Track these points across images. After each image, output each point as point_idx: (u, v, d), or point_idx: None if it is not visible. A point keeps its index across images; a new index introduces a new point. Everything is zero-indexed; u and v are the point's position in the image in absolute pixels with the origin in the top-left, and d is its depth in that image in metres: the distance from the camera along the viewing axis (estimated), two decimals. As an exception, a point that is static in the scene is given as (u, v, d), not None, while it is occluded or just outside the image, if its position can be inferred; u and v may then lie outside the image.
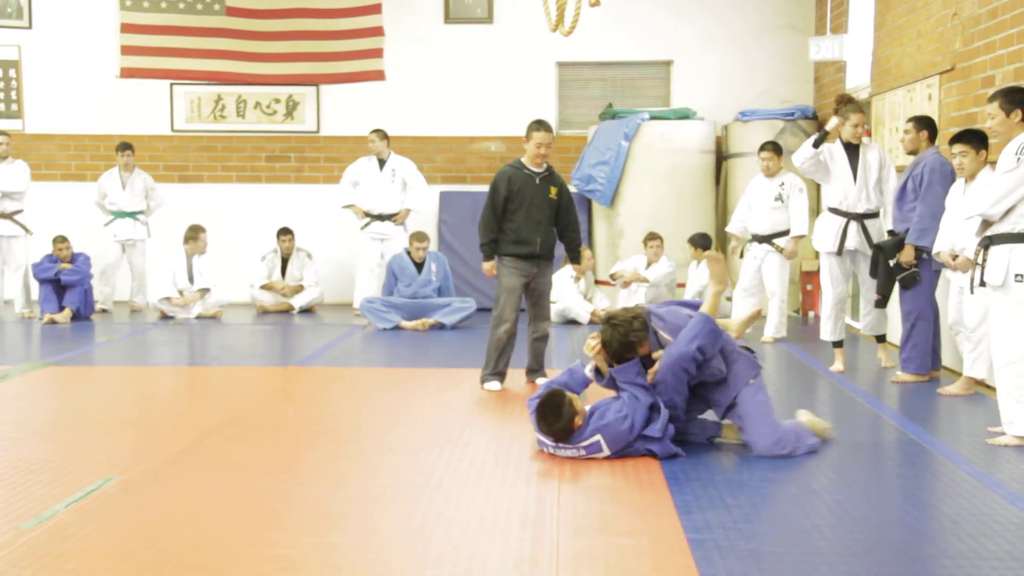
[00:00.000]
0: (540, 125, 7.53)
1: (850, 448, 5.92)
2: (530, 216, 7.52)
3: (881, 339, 8.41)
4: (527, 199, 7.52)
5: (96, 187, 12.15)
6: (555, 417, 5.54)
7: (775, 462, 5.52)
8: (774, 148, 9.88)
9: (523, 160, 7.62)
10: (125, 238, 12.07)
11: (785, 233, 9.70)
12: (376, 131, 11.83)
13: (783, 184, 9.71)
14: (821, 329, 8.45)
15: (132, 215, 12.07)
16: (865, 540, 4.32)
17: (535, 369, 7.81)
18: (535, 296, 7.72)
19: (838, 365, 8.26)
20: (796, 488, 5.07)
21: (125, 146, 12.07)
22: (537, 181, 7.57)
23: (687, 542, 4.23)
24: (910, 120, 7.85)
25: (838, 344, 8.34)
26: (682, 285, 11.34)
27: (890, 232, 8.09)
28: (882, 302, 7.87)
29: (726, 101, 12.61)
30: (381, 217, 11.81)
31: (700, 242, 10.96)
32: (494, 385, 7.61)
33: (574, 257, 7.95)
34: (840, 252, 8.21)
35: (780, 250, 9.70)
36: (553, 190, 7.61)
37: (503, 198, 7.51)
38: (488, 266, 7.67)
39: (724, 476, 5.26)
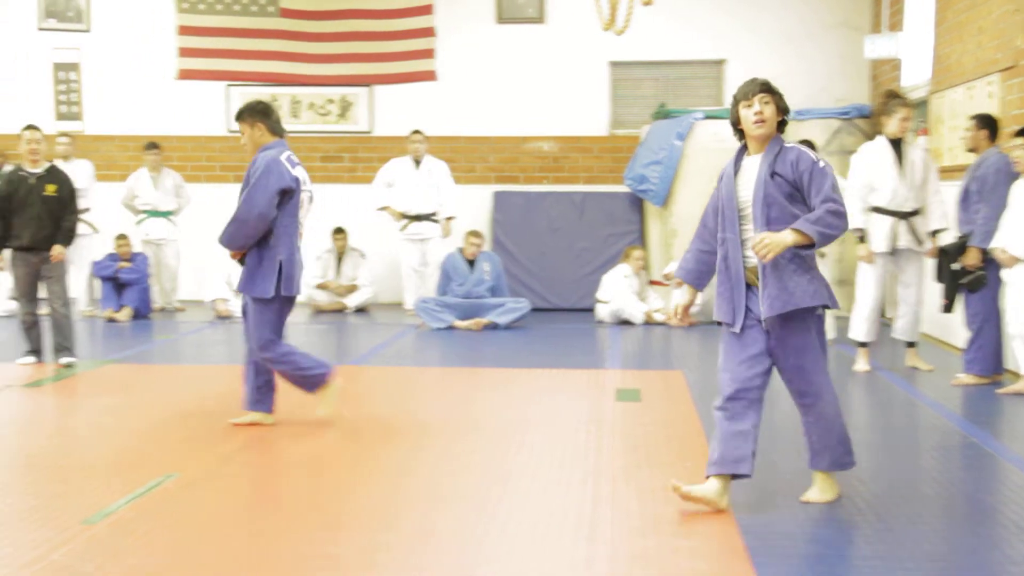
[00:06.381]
0: (29, 126, 8.51)
1: (911, 452, 5.84)
2: (25, 212, 8.31)
3: (911, 344, 8.28)
4: (21, 197, 8.31)
5: (125, 187, 12.17)
6: None
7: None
8: (807, 145, 9.76)
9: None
10: (157, 238, 12.15)
11: None
12: (418, 131, 11.88)
13: None
14: (855, 328, 8.24)
15: (165, 214, 12.17)
16: (929, 545, 4.26)
17: (61, 348, 8.41)
18: (46, 282, 8.44)
19: (862, 365, 8.15)
20: (855, 491, 5.02)
21: (152, 145, 12.15)
22: (32, 181, 8.36)
23: (744, 544, 4.20)
24: (972, 118, 7.73)
25: (864, 344, 8.22)
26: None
27: (934, 232, 7.98)
28: (948, 307, 7.73)
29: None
30: (419, 217, 11.84)
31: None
32: (27, 359, 8.47)
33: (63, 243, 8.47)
34: (892, 252, 8.08)
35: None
36: (51, 188, 8.38)
37: (4, 197, 8.31)
38: None
39: (781, 477, 5.22)
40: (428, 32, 12.70)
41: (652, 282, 11.85)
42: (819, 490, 4.78)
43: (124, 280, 11.52)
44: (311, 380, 6.33)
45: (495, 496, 4.89)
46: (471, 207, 12.56)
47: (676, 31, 12.70)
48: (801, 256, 4.52)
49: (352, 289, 12.35)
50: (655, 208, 12.18)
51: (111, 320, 11.24)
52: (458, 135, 12.95)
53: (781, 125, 4.69)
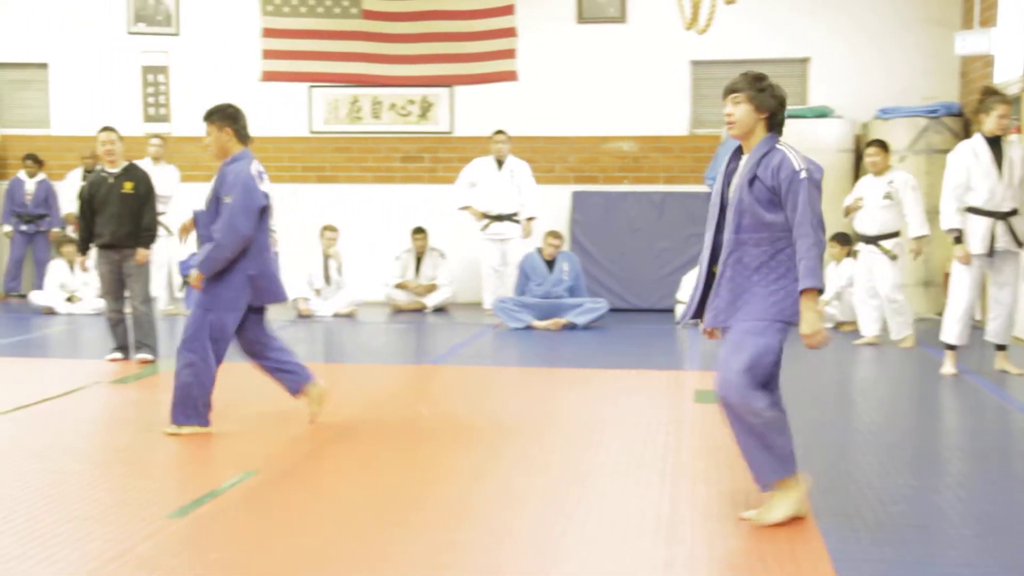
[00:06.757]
0: (104, 128, 8.71)
1: (1000, 457, 5.70)
2: (105, 211, 8.55)
3: (1001, 348, 8.06)
4: (102, 197, 8.55)
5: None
6: None
7: (917, 469, 5.35)
8: (880, 145, 9.62)
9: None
10: None
11: (893, 235, 9.45)
12: (501, 132, 11.94)
13: (891, 182, 9.44)
14: (947, 330, 8.00)
15: None
16: (1019, 552, 4.15)
17: (141, 345, 8.63)
18: (125, 279, 8.63)
19: (950, 368, 7.96)
20: (941, 496, 4.91)
21: None
22: (111, 180, 8.58)
23: (827, 549, 4.12)
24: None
25: (952, 347, 8.03)
26: (818, 286, 11.08)
27: None
28: None
29: (865, 98, 12.29)
30: (500, 217, 11.89)
31: (844, 240, 10.74)
32: (114, 356, 8.67)
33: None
34: (991, 254, 7.86)
35: (887, 252, 9.44)
36: (128, 185, 8.55)
37: (86, 198, 8.62)
38: (81, 259, 8.93)
39: (865, 480, 5.12)
40: (509, 32, 12.71)
41: (733, 283, 11.71)
42: (764, 508, 4.43)
43: (208, 279, 11.72)
44: (193, 410, 6.07)
45: (573, 496, 4.88)
46: (550, 207, 12.55)
47: (758, 29, 12.55)
48: (770, 266, 4.33)
49: (431, 289, 12.43)
50: (736, 208, 12.03)
51: (196, 318, 11.43)
52: (537, 135, 12.95)
53: (774, 123, 4.45)
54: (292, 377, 6.32)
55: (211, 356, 6.07)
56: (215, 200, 6.06)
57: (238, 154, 6.12)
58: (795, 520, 4.44)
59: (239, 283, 6.00)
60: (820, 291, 4.26)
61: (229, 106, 6.21)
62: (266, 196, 6.09)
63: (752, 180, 4.35)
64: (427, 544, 4.23)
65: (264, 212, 6.08)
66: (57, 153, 13.58)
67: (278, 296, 6.20)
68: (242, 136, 6.16)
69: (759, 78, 4.46)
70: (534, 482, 5.16)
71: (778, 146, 4.39)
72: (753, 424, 4.33)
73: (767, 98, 4.41)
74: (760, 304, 4.32)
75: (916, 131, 11.36)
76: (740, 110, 4.43)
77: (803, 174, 4.27)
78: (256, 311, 6.19)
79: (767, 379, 4.36)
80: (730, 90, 4.47)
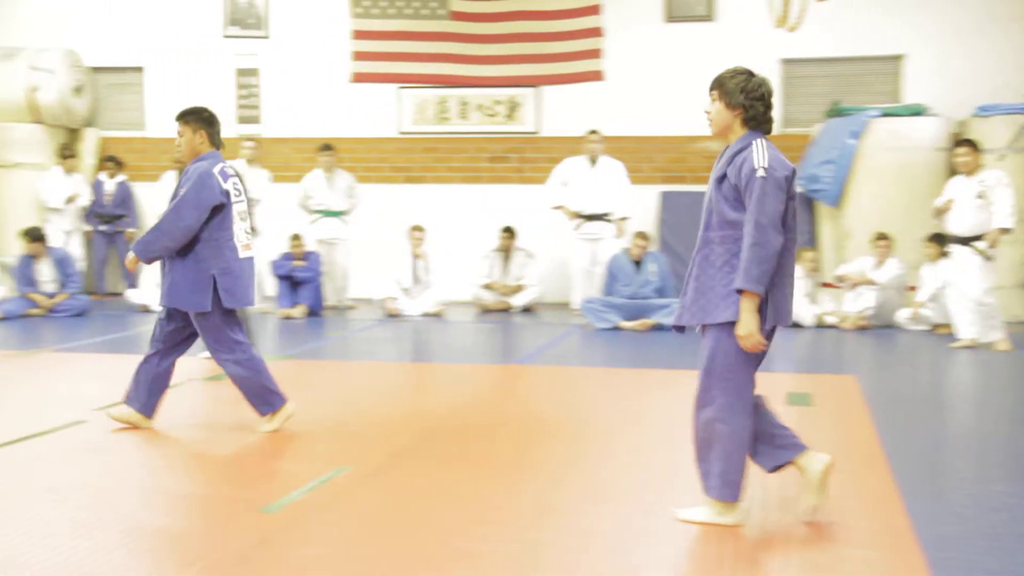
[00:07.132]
0: None
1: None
2: None
3: None
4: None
5: (300, 188, 12.40)
6: None
7: (1018, 475, 5.20)
8: (971, 145, 9.38)
9: None
10: (329, 237, 12.43)
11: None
12: (595, 131, 11.91)
13: (983, 181, 9.19)
14: None
15: (337, 214, 12.45)
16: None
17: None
18: None
19: None
20: (1043, 505, 4.77)
21: (326, 147, 12.43)
22: None
23: (923, 556, 4.03)
24: None
25: None
26: (913, 288, 10.85)
27: None
28: None
29: (960, 96, 11.99)
30: (592, 217, 11.85)
31: (940, 241, 10.50)
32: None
33: None
34: None
35: (981, 252, 9.20)
36: None
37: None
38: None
39: (964, 490, 4.99)
40: (596, 32, 12.68)
41: (824, 284, 11.54)
42: (700, 510, 4.42)
43: (299, 278, 11.89)
44: (271, 394, 6.12)
45: (660, 496, 4.83)
46: (638, 207, 12.47)
47: (850, 26, 12.32)
48: (732, 264, 4.23)
49: (518, 289, 12.44)
50: (827, 209, 11.86)
51: (287, 318, 11.60)
52: (625, 135, 12.87)
53: (751, 120, 4.33)
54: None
55: (244, 343, 6.13)
56: (175, 198, 6.06)
57: (206, 154, 6.13)
58: (891, 526, 4.35)
59: (204, 281, 5.95)
60: (763, 294, 4.16)
61: (205, 110, 6.25)
62: (226, 194, 6.00)
63: (722, 178, 4.30)
64: (512, 543, 4.22)
65: (223, 210, 5.98)
66: (152, 155, 13.89)
67: (241, 301, 6.06)
68: (215, 141, 6.17)
69: (736, 74, 4.36)
70: (620, 482, 5.12)
71: (754, 142, 4.30)
72: (726, 442, 4.30)
73: (736, 94, 4.31)
74: (721, 305, 4.25)
75: (1016, 128, 11.06)
76: (715, 107, 4.39)
77: (760, 172, 4.18)
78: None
79: (735, 383, 4.29)
80: (711, 87, 4.40)
